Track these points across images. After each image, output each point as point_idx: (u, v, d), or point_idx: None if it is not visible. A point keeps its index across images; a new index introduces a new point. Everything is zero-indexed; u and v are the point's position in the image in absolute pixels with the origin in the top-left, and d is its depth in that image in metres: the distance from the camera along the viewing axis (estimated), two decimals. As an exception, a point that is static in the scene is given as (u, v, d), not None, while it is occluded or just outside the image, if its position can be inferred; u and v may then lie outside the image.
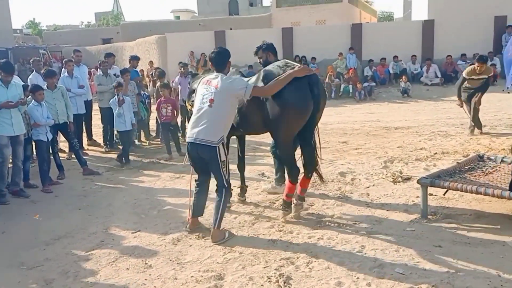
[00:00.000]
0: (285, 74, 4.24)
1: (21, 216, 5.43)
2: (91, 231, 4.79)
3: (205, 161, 4.30)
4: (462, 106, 8.74)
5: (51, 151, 6.97)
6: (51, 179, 6.70)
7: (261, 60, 5.06)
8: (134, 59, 10.05)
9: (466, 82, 8.55)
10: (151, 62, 17.74)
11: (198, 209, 4.52)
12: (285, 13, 26.04)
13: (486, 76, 8.43)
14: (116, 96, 7.72)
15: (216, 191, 4.34)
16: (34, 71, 8.68)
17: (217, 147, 4.19)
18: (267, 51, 5.04)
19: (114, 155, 8.17)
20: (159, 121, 8.56)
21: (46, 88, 7.14)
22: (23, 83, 7.24)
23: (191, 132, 4.29)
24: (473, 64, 8.64)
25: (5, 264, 4.07)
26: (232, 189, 4.68)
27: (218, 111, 4.20)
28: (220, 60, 4.43)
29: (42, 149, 6.53)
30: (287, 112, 4.27)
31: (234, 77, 4.41)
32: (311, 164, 4.70)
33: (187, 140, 4.32)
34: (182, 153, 7.79)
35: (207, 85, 4.31)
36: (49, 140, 6.66)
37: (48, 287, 3.61)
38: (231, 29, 21.75)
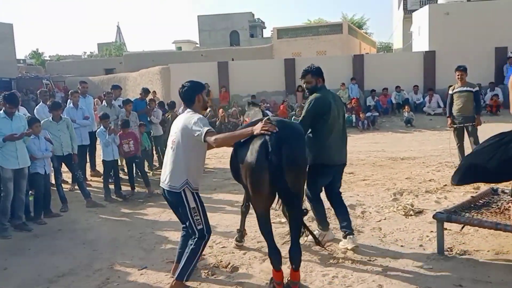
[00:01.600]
0: (242, 130, 3.80)
1: (24, 251, 5.28)
2: (96, 267, 4.63)
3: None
4: (452, 126, 8.39)
5: (54, 183, 6.86)
6: (51, 212, 6.57)
7: (308, 85, 4.70)
8: (146, 92, 10.19)
9: (454, 99, 8.31)
10: (154, 92, 17.82)
11: (181, 255, 4.05)
12: (286, 44, 26.40)
13: (472, 89, 8.18)
14: (102, 126, 7.65)
15: (192, 238, 3.91)
16: (41, 102, 8.67)
17: (181, 192, 3.80)
18: (317, 77, 4.68)
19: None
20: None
21: (51, 120, 7.11)
22: (29, 115, 7.21)
23: (161, 176, 4.02)
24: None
25: (7, 304, 3.91)
26: (207, 239, 3.99)
27: (179, 153, 3.80)
28: (186, 95, 3.94)
29: (40, 183, 6.43)
30: (242, 171, 3.75)
31: (196, 117, 3.76)
32: (295, 234, 3.78)
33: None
34: (150, 188, 7.72)
35: (175, 124, 3.97)
36: (46, 173, 6.58)
37: (52, 330, 3.44)
38: (233, 59, 22.00)
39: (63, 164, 7.35)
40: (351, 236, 4.64)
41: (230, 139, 3.79)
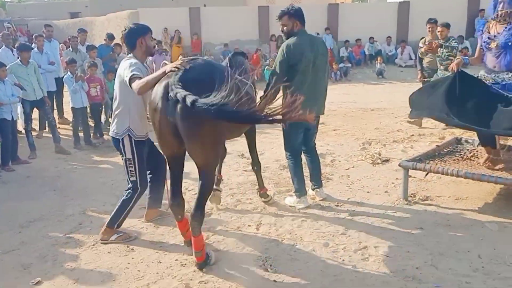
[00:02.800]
0: (158, 71, 3.37)
1: (-8, 197, 5.22)
2: (68, 213, 4.64)
3: None
4: (422, 80, 8.21)
5: (24, 129, 6.70)
6: (19, 159, 6.46)
7: (284, 28, 4.28)
8: (110, 38, 9.80)
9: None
10: (122, 38, 17.21)
11: (151, 200, 4.24)
12: (261, -9, 25.63)
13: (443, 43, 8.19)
14: (69, 72, 7.39)
15: (126, 189, 3.96)
16: (3, 46, 8.26)
17: (120, 140, 3.76)
18: (294, 18, 4.22)
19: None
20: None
21: (20, 63, 6.84)
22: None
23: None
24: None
25: (-22, 249, 3.90)
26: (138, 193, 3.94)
27: (120, 100, 3.73)
28: (127, 38, 3.75)
29: (7, 129, 6.25)
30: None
31: (130, 62, 3.60)
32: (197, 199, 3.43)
33: None
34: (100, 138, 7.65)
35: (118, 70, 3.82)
36: (14, 119, 6.39)
37: (26, 272, 3.48)
38: (204, 5, 21.29)
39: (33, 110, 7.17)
40: (318, 190, 4.71)
41: (149, 83, 3.31)
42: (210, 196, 3.86)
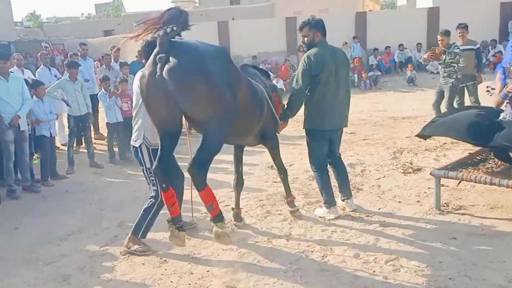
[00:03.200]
0: None
1: (33, 211, 5.45)
2: (104, 226, 4.81)
3: None
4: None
5: (63, 145, 6.95)
6: (58, 174, 6.73)
7: (305, 39, 4.30)
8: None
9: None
10: (154, 54, 17.66)
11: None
12: (287, 2, 25.79)
13: (474, 47, 8.00)
14: (103, 89, 7.62)
15: (148, 198, 4.10)
16: (42, 65, 8.66)
17: (138, 148, 3.96)
18: (314, 29, 4.26)
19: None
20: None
21: (68, 79, 7.16)
22: (33, 78, 7.26)
23: None
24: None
25: (21, 260, 4.09)
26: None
27: (137, 111, 4.03)
28: (144, 52, 3.86)
29: (46, 145, 6.52)
30: None
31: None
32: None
33: None
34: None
35: None
36: (52, 135, 6.67)
37: (65, 283, 3.63)
38: (233, 19, 21.62)
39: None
40: (348, 201, 4.67)
41: None
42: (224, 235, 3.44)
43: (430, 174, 4.63)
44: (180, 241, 3.52)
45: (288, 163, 6.60)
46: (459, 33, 8.16)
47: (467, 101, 8.14)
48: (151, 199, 4.06)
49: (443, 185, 5.02)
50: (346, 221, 4.44)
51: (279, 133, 4.50)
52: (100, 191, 6.15)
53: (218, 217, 3.39)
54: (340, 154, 4.78)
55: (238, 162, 4.47)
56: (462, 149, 6.63)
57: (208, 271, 3.64)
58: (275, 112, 4.19)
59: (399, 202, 4.87)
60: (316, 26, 4.27)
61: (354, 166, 6.32)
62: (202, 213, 4.91)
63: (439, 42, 7.55)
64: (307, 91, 4.24)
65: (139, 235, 4.06)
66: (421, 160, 6.39)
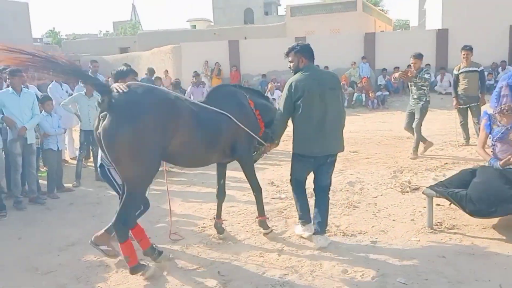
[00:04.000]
0: None
1: (37, 222, 5.61)
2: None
3: None
4: (458, 107, 8.45)
5: (72, 158, 7.09)
6: (63, 186, 6.91)
7: (291, 64, 4.32)
8: (151, 72, 10.74)
9: (460, 79, 8.33)
10: (166, 71, 18.03)
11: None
12: (299, 22, 26.19)
13: (477, 69, 8.20)
14: None
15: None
16: (54, 81, 8.94)
17: (107, 169, 4.42)
18: (300, 54, 4.25)
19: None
20: None
21: (84, 94, 7.39)
22: (41, 93, 7.50)
23: None
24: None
25: (21, 269, 4.22)
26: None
27: None
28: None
29: (52, 158, 6.73)
30: None
31: None
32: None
33: None
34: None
35: None
36: (59, 149, 6.87)
37: (61, 292, 3.75)
38: (245, 38, 21.99)
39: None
40: (317, 237, 4.30)
41: None
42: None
43: (422, 193, 4.69)
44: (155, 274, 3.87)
45: (287, 180, 6.68)
46: (463, 54, 8.29)
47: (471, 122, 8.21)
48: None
49: (438, 205, 5.08)
50: (338, 237, 4.50)
51: (267, 153, 4.61)
52: (103, 204, 6.29)
53: (136, 268, 3.80)
54: (329, 184, 4.49)
55: (219, 176, 4.68)
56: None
57: (199, 283, 3.72)
58: (251, 131, 4.30)
59: (393, 220, 4.93)
60: (301, 51, 4.26)
61: (353, 184, 6.39)
62: (199, 227, 5.02)
63: (412, 64, 7.79)
64: (292, 116, 4.26)
65: (112, 235, 4.22)
66: (420, 179, 6.43)
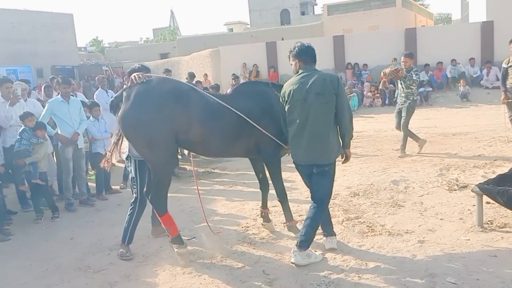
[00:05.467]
0: None
1: (87, 223, 5.85)
2: (151, 237, 5.07)
3: None
4: (506, 101, 8.11)
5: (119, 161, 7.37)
6: (111, 188, 7.15)
7: (292, 68, 4.16)
8: (191, 76, 11.16)
9: (509, 73, 7.97)
10: (205, 75, 18.30)
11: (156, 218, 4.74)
12: (337, 21, 25.90)
13: None
14: None
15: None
16: (100, 88, 9.29)
17: (126, 159, 4.75)
18: (294, 58, 4.06)
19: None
20: None
21: None
22: (89, 100, 7.81)
23: None
24: None
25: (74, 268, 4.42)
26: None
27: None
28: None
29: (99, 161, 6.96)
30: None
31: None
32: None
33: None
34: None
35: None
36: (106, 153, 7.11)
37: (112, 289, 3.89)
38: (282, 39, 21.98)
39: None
40: (294, 249, 3.96)
41: None
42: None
43: (471, 191, 4.54)
44: (183, 259, 4.17)
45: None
46: None
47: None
48: (131, 206, 4.66)
49: (488, 203, 4.89)
50: (384, 237, 4.43)
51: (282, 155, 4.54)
52: (149, 204, 6.43)
53: (176, 239, 4.15)
54: (322, 198, 4.03)
55: (257, 171, 4.79)
56: (512, 166, 6.39)
57: (243, 282, 3.76)
58: (272, 131, 4.26)
59: (441, 219, 4.79)
60: (296, 54, 4.04)
61: (397, 182, 6.26)
62: (242, 226, 5.07)
63: (402, 63, 7.83)
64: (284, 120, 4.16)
65: (125, 242, 4.57)
66: (468, 177, 6.23)
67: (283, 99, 4.05)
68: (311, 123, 3.87)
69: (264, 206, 4.83)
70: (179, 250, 4.15)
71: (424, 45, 16.86)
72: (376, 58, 17.00)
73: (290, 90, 3.96)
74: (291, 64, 4.15)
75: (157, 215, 4.24)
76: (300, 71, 4.01)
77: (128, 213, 4.64)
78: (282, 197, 4.59)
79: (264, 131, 4.21)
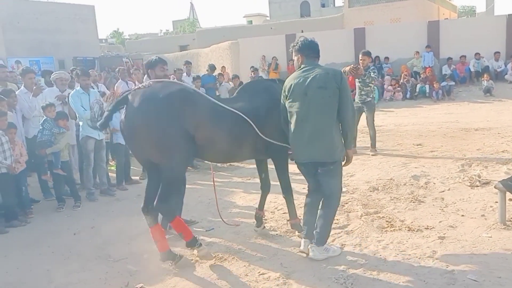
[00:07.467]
0: None
1: (108, 212, 5.94)
2: (170, 227, 5.11)
3: None
4: None
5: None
6: (131, 179, 7.24)
7: (295, 63, 4.08)
8: (212, 68, 11.15)
9: None
10: (223, 68, 18.29)
11: None
12: (358, 13, 25.58)
13: None
14: None
15: None
16: (120, 79, 9.37)
17: None
18: (298, 53, 3.95)
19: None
20: None
21: None
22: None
23: None
24: None
25: (94, 256, 4.49)
26: None
27: None
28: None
29: (120, 152, 7.06)
30: None
31: None
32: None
33: None
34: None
35: None
36: None
37: (132, 278, 3.94)
38: (302, 31, 21.81)
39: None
40: (312, 246, 3.92)
41: None
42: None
43: (494, 187, 4.45)
44: (207, 258, 4.09)
45: (350, 173, 6.62)
46: None
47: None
48: None
49: (511, 200, 4.80)
50: (403, 232, 4.38)
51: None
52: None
53: (191, 243, 4.06)
54: (332, 194, 3.91)
55: (260, 171, 4.67)
56: (537, 163, 6.25)
57: (261, 274, 3.78)
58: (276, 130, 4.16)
59: (462, 215, 4.72)
60: (298, 48, 3.93)
61: (418, 178, 6.18)
62: (254, 221, 5.08)
63: (360, 61, 7.84)
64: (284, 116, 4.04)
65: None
66: (491, 173, 6.11)
67: (284, 94, 3.93)
68: (313, 118, 3.73)
69: (261, 207, 4.68)
70: (200, 253, 4.06)
71: (447, 38, 16.54)
72: (398, 51, 16.74)
73: (291, 85, 3.84)
74: (293, 59, 4.05)
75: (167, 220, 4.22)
76: (303, 65, 3.89)
77: None
78: (288, 194, 4.47)
79: (267, 132, 4.13)
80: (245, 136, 4.09)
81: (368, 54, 8.01)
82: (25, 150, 6.09)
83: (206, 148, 4.00)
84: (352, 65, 7.27)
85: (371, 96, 7.96)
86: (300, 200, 4.87)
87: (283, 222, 4.91)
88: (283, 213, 5.15)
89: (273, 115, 4.13)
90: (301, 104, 3.77)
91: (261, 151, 4.29)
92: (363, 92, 7.90)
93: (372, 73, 7.80)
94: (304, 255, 3.97)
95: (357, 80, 7.94)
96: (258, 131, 4.07)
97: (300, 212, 4.42)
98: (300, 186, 5.45)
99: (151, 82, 4.01)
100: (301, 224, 4.25)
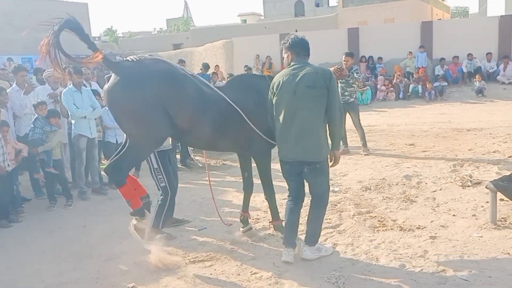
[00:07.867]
0: None
1: (100, 211, 5.91)
2: (162, 227, 5.09)
3: None
4: None
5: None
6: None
7: (284, 60, 4.02)
8: (205, 67, 11.59)
9: None
10: (216, 66, 18.26)
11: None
12: (352, 13, 25.64)
13: None
14: None
15: (159, 195, 4.66)
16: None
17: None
18: (288, 50, 3.89)
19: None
20: None
21: None
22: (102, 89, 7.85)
23: None
24: None
25: (86, 255, 4.47)
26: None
27: None
28: None
29: (111, 150, 7.02)
30: None
31: None
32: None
33: None
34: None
35: None
36: (118, 142, 7.15)
37: (124, 277, 3.92)
38: (296, 31, 21.82)
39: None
40: (304, 247, 3.93)
41: None
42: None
43: (485, 187, 4.48)
44: (140, 234, 4.07)
45: (342, 173, 6.65)
46: None
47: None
48: (162, 196, 4.60)
49: (502, 199, 4.83)
50: (395, 232, 4.41)
51: None
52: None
53: (137, 212, 4.04)
54: (320, 194, 3.88)
55: (243, 168, 4.61)
56: (528, 163, 6.31)
57: (253, 273, 3.78)
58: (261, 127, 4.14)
59: (454, 215, 4.75)
60: (289, 46, 3.88)
61: (410, 177, 6.22)
62: (253, 218, 5.08)
63: (344, 62, 7.85)
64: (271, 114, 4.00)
65: (159, 226, 4.51)
66: (482, 173, 6.15)
67: (272, 91, 3.87)
68: (300, 117, 3.67)
69: (245, 209, 4.62)
70: (137, 224, 4.02)
71: (440, 39, 16.62)
72: (391, 52, 16.81)
73: (279, 82, 3.78)
74: (283, 57, 3.99)
75: (118, 189, 4.05)
76: (292, 63, 3.83)
77: (160, 203, 4.59)
78: (270, 195, 4.44)
79: (253, 126, 4.10)
80: (228, 127, 4.06)
81: (351, 55, 8.09)
82: (23, 144, 6.06)
83: (187, 133, 3.95)
84: (336, 66, 7.27)
85: (354, 96, 7.98)
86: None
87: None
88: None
89: (258, 111, 4.09)
90: (289, 102, 3.72)
91: (243, 146, 4.28)
92: (346, 93, 7.90)
93: (355, 74, 7.83)
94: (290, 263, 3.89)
95: (340, 81, 7.91)
96: (246, 118, 4.04)
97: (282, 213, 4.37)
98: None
99: (141, 56, 3.88)
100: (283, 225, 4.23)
